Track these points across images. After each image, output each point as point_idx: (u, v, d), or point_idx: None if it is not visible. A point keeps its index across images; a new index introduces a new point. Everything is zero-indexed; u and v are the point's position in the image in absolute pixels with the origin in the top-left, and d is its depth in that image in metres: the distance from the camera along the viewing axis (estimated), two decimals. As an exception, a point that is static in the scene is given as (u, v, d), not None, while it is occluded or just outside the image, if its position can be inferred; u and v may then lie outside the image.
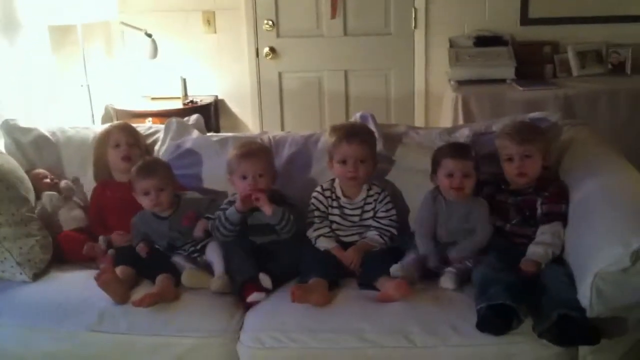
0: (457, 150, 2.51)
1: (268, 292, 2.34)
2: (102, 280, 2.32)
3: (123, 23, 4.37)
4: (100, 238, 2.67)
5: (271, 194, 2.52)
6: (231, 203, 2.56)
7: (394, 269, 2.32)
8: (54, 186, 2.87)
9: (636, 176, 2.38)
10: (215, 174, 2.85)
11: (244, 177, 2.52)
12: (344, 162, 2.56)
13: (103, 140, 2.92)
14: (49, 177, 2.91)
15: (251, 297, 2.29)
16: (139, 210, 2.64)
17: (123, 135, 2.89)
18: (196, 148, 2.95)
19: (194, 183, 2.87)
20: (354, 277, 2.42)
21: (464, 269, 2.35)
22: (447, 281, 2.30)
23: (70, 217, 2.79)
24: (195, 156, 2.93)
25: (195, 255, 2.56)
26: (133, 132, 2.95)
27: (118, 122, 3.28)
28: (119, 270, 2.43)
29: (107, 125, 3.09)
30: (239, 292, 2.34)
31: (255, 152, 2.58)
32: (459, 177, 2.43)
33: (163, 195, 2.56)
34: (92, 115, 4.10)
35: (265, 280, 2.35)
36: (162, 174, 2.58)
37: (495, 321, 2.06)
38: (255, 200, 2.46)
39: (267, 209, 2.46)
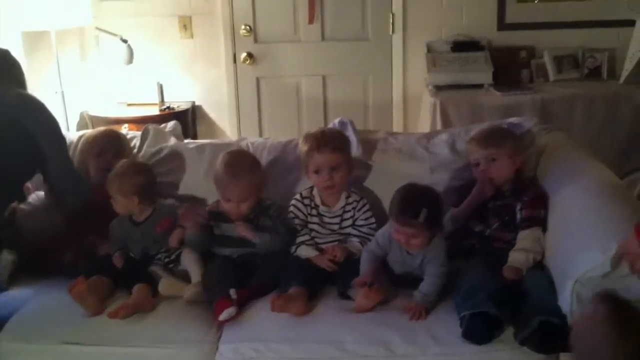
0: (403, 214, 2.25)
1: (238, 305, 2.28)
2: (75, 292, 2.28)
3: (98, 28, 4.32)
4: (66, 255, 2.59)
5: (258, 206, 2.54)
6: (210, 213, 2.55)
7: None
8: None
9: (614, 181, 2.39)
10: (193, 181, 2.84)
11: (228, 200, 2.50)
12: (317, 171, 2.55)
13: (87, 146, 2.87)
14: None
15: (222, 316, 2.23)
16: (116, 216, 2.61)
17: (108, 143, 2.84)
18: (174, 155, 2.92)
19: (172, 190, 2.83)
20: (335, 284, 2.39)
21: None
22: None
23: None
24: (173, 163, 2.89)
25: (172, 265, 2.53)
26: (118, 141, 2.90)
27: (105, 128, 3.19)
28: (94, 279, 2.38)
29: (94, 131, 3.04)
30: (213, 309, 2.29)
31: (242, 174, 2.50)
32: (404, 239, 2.28)
33: (117, 204, 2.56)
34: (67, 121, 4.04)
35: (232, 293, 2.30)
36: (126, 180, 2.54)
37: (479, 330, 2.05)
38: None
39: (251, 235, 2.46)
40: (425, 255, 2.31)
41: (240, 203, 2.49)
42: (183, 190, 2.85)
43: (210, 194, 2.70)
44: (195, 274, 2.42)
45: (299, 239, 2.53)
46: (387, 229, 2.37)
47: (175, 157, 2.91)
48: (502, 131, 2.66)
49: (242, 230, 2.45)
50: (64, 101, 3.99)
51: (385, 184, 2.68)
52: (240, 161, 2.58)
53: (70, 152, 2.89)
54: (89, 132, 3.10)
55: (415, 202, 2.25)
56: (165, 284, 2.41)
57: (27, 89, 2.68)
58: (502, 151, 2.51)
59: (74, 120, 4.34)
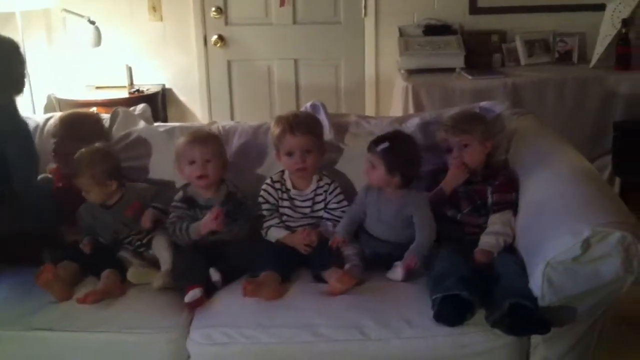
0: (371, 143, 2.45)
1: (215, 287, 2.29)
2: (42, 280, 2.24)
3: (65, 10, 4.24)
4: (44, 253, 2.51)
5: (227, 194, 2.50)
6: (185, 200, 2.52)
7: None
8: None
9: (584, 165, 2.41)
10: (162, 165, 2.80)
11: (192, 163, 2.49)
12: (290, 154, 2.53)
13: (50, 127, 2.85)
14: None
15: (187, 298, 2.22)
16: (82, 202, 2.56)
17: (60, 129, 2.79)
18: (143, 139, 2.87)
19: (141, 174, 2.79)
20: (307, 267, 2.38)
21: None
22: (395, 273, 2.30)
23: None
24: (142, 147, 2.85)
25: (142, 249, 2.49)
26: (80, 125, 2.83)
27: (71, 112, 3.08)
28: (62, 266, 2.35)
29: (64, 113, 2.98)
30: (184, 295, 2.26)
31: (203, 138, 2.56)
32: (369, 169, 2.43)
33: (91, 195, 2.51)
34: (33, 105, 3.97)
35: (214, 274, 2.30)
36: (87, 171, 2.49)
37: (450, 312, 2.05)
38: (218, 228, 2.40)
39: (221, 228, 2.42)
40: (401, 205, 2.39)
41: (205, 163, 2.47)
42: (152, 173, 2.81)
43: (179, 176, 2.67)
44: (165, 261, 2.39)
45: (268, 223, 2.53)
46: (358, 193, 2.52)
47: (145, 141, 2.86)
48: (473, 117, 2.66)
49: (210, 220, 2.39)
50: (30, 84, 3.91)
51: (356, 167, 2.67)
52: (199, 129, 2.72)
53: (37, 134, 2.86)
54: (58, 114, 3.04)
55: (385, 136, 2.46)
56: (134, 272, 2.37)
57: (24, 87, 2.60)
58: (473, 137, 2.51)
59: (41, 103, 4.26)
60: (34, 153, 2.59)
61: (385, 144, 2.38)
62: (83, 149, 2.57)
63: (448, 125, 2.58)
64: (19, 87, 2.58)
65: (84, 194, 2.52)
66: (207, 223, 2.39)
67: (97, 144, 2.63)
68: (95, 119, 2.92)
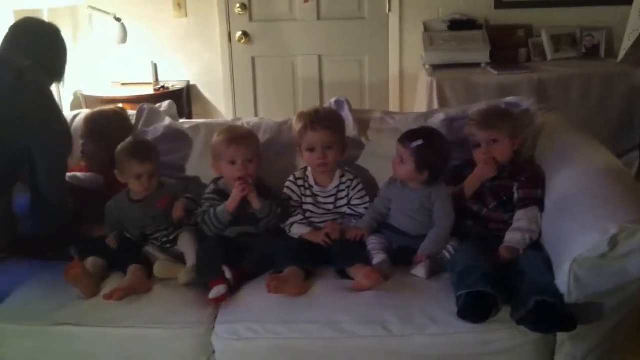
0: (404, 136, 2.46)
1: (229, 283, 2.28)
2: (70, 275, 2.26)
3: (91, 7, 4.27)
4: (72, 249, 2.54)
5: (256, 182, 2.49)
6: (217, 192, 2.52)
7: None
8: None
9: (612, 161, 2.38)
10: (187, 161, 2.83)
11: (233, 163, 2.49)
12: (311, 149, 2.54)
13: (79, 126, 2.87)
14: None
15: (212, 294, 2.23)
16: (104, 199, 2.57)
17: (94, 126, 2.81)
18: (168, 135, 2.88)
19: (166, 169, 2.79)
20: (331, 264, 2.38)
21: (437, 257, 2.34)
22: (419, 270, 2.29)
23: None
24: (167, 143, 2.85)
25: (168, 245, 2.51)
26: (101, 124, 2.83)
27: (97, 110, 3.03)
28: (89, 261, 2.38)
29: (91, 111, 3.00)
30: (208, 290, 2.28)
31: (245, 138, 2.56)
32: (395, 161, 2.45)
33: (153, 181, 2.52)
34: (60, 101, 4.00)
35: (226, 272, 2.29)
36: (154, 159, 2.53)
37: (474, 309, 2.04)
38: (243, 192, 2.41)
39: (255, 202, 2.43)
40: (424, 199, 2.40)
41: (247, 162, 2.48)
42: (177, 169, 2.82)
43: (205, 173, 2.69)
44: (191, 256, 2.40)
45: (292, 219, 2.53)
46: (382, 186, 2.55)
47: (170, 138, 2.87)
48: (502, 112, 2.65)
49: (237, 192, 2.41)
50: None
51: (380, 164, 2.67)
52: (238, 127, 2.73)
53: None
54: (84, 112, 3.06)
55: (419, 132, 2.47)
56: (160, 267, 2.39)
57: (64, 74, 2.59)
58: (502, 133, 2.49)
59: (68, 100, 4.30)
60: (65, 163, 2.57)
61: (419, 142, 2.38)
62: (136, 140, 2.63)
63: (477, 120, 2.56)
64: (56, 75, 2.56)
65: (132, 184, 2.52)
66: (235, 195, 2.41)
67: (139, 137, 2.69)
68: (121, 117, 2.93)
